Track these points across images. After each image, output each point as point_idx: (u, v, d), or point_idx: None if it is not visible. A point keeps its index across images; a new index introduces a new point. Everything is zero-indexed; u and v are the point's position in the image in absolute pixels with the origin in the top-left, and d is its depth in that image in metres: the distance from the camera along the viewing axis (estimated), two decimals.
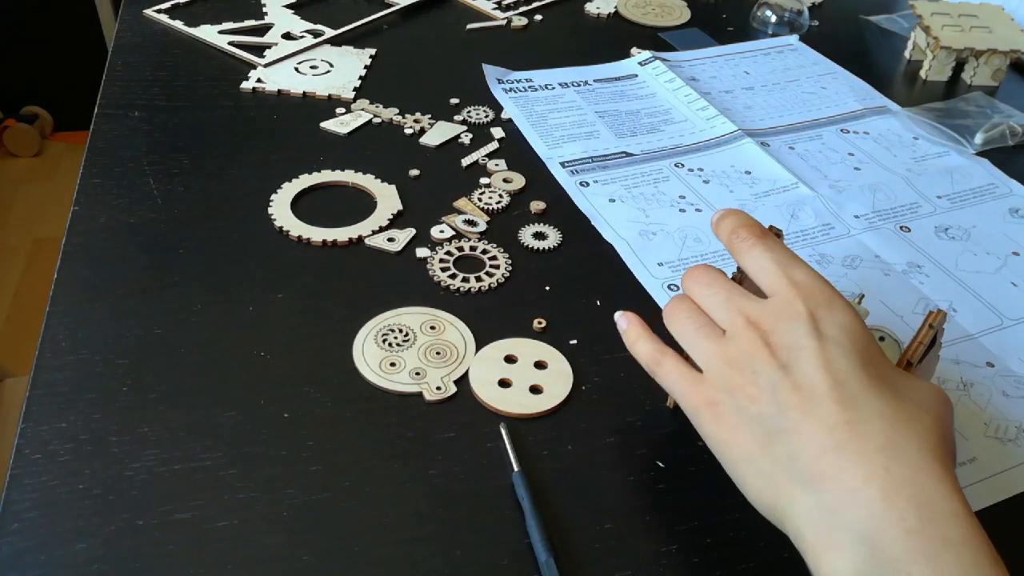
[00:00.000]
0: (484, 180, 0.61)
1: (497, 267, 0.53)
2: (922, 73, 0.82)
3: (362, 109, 0.68)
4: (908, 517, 0.30)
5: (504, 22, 0.84)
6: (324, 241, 0.54)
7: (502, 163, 0.63)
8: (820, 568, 0.32)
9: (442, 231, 0.56)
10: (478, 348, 0.48)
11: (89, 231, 0.53)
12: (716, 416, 0.36)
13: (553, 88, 0.74)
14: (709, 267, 0.40)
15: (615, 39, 0.83)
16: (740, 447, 0.35)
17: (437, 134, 0.66)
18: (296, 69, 0.72)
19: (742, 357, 0.35)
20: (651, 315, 0.51)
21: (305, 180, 0.59)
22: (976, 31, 0.80)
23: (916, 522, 0.30)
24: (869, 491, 0.31)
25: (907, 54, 0.85)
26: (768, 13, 0.87)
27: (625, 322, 0.42)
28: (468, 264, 0.54)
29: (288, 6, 0.82)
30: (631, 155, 0.66)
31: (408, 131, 0.66)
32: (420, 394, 0.45)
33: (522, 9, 0.87)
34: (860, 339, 0.35)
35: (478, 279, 0.52)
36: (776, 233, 0.44)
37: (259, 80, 0.70)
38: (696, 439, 0.44)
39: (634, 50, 0.81)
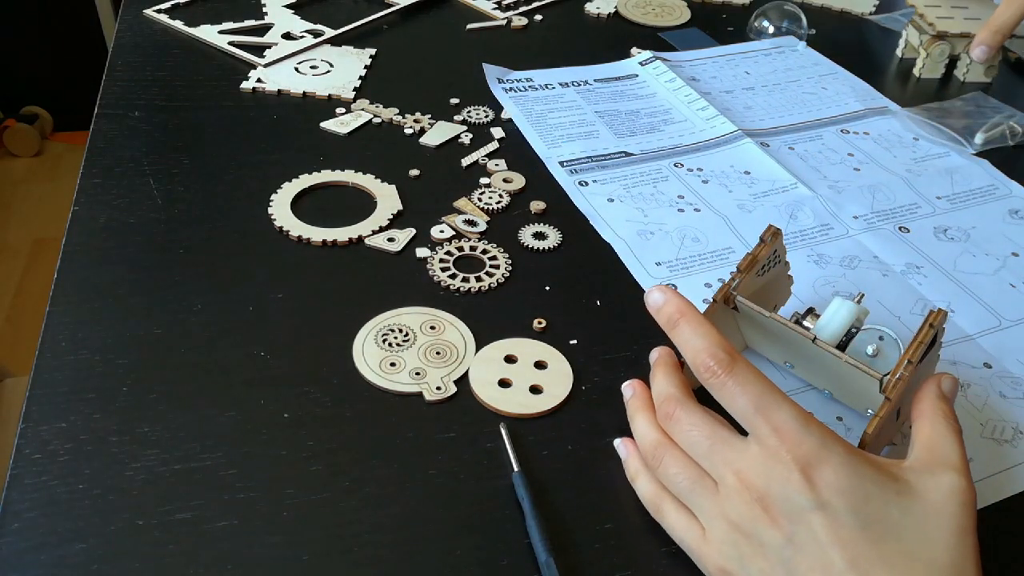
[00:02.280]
0: (484, 180, 0.61)
1: (497, 267, 0.54)
2: (915, 71, 0.82)
3: (362, 109, 0.68)
4: None
5: (504, 22, 0.84)
6: (324, 241, 0.54)
7: (502, 163, 0.63)
8: None
9: (442, 231, 0.56)
10: (478, 348, 0.48)
11: (89, 231, 0.53)
12: None
13: (553, 88, 0.74)
14: (680, 398, 0.39)
15: (615, 39, 0.83)
16: None
17: (437, 134, 0.66)
18: (296, 69, 0.72)
19: (743, 522, 0.35)
20: (649, 315, 0.52)
21: (305, 180, 0.59)
22: (968, 22, 0.81)
23: None
24: None
25: (899, 52, 0.85)
26: (765, 23, 0.87)
27: (625, 451, 0.42)
28: (468, 264, 0.54)
29: (288, 6, 0.82)
30: (630, 155, 0.66)
31: (408, 131, 0.66)
32: (420, 394, 0.45)
33: (522, 9, 0.87)
34: (858, 497, 0.34)
35: (478, 279, 0.52)
36: (774, 233, 0.44)
37: (259, 80, 0.70)
38: None
39: (634, 50, 0.81)
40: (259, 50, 0.74)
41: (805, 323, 0.43)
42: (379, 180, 0.60)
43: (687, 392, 0.40)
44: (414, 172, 0.61)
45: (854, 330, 0.42)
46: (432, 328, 0.49)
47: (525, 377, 0.46)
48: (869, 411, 0.38)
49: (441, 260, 0.53)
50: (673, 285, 0.53)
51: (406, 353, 0.47)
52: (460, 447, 0.43)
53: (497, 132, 0.67)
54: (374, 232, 0.55)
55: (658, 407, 0.40)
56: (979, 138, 0.71)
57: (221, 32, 0.76)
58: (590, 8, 0.88)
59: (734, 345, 0.39)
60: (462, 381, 0.46)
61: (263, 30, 0.77)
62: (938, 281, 0.56)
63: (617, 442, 0.43)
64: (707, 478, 0.37)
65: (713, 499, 0.37)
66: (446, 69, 0.75)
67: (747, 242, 0.58)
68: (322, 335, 0.48)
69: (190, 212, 0.56)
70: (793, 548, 0.34)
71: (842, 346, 0.42)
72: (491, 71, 0.74)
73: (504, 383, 0.46)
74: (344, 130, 0.65)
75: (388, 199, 0.58)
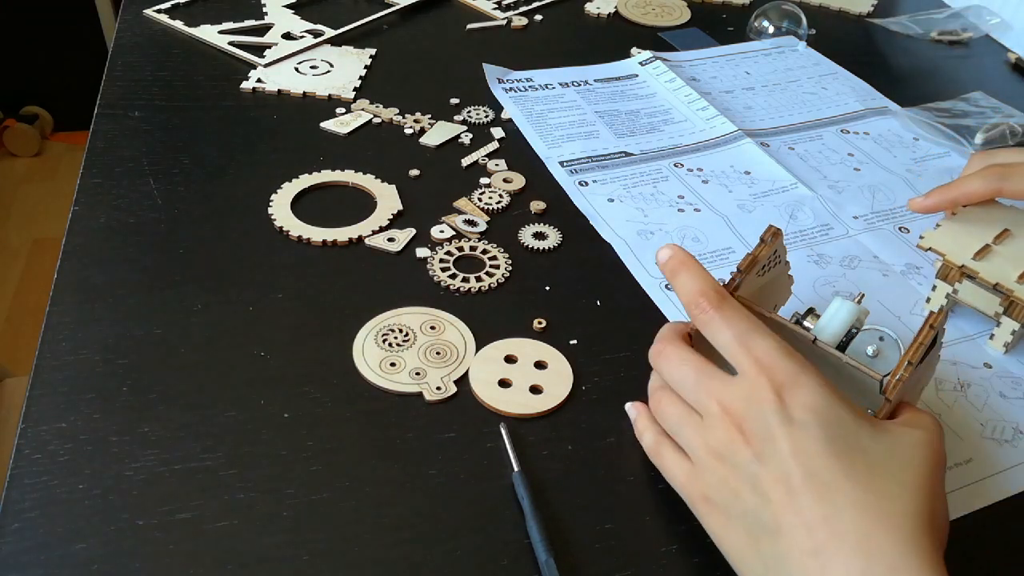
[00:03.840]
0: (484, 180, 0.61)
1: (497, 267, 0.54)
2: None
3: (362, 109, 0.68)
4: None
5: (504, 22, 0.84)
6: (324, 241, 0.54)
7: (502, 163, 0.63)
8: None
9: (442, 231, 0.56)
10: (478, 348, 0.48)
11: (89, 231, 0.53)
12: (710, 511, 0.37)
13: (553, 88, 0.74)
14: (674, 340, 0.41)
15: (615, 39, 0.83)
16: (733, 544, 0.36)
17: (437, 134, 0.66)
18: (296, 69, 0.72)
19: (721, 446, 0.36)
20: (649, 315, 0.52)
21: (305, 180, 0.59)
22: None
23: None
24: None
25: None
26: (765, 23, 0.87)
27: (635, 411, 0.44)
28: (468, 264, 0.54)
29: (288, 6, 0.82)
30: (630, 155, 0.66)
31: (408, 131, 0.66)
32: (420, 394, 0.45)
33: (522, 9, 0.87)
34: (828, 416, 0.35)
35: (478, 279, 0.52)
36: (774, 233, 0.44)
37: (259, 80, 0.70)
38: None
39: (634, 50, 0.81)
40: (259, 50, 0.74)
41: (805, 323, 0.43)
42: (379, 180, 0.60)
43: (682, 338, 0.41)
44: (414, 172, 0.61)
45: (854, 331, 0.42)
46: (432, 328, 0.49)
47: (525, 377, 0.46)
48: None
49: (441, 260, 0.53)
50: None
51: (406, 353, 0.47)
52: (460, 447, 0.43)
53: (497, 132, 0.67)
54: (374, 232, 0.55)
55: (653, 347, 0.42)
56: (979, 138, 0.71)
57: (221, 32, 0.76)
58: (590, 8, 0.88)
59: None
60: (462, 381, 0.46)
61: (263, 30, 0.77)
62: None
63: (628, 405, 0.45)
64: (694, 414, 0.39)
65: (697, 430, 0.38)
66: (446, 69, 0.75)
67: (747, 242, 0.58)
68: (322, 335, 0.48)
69: (190, 212, 0.56)
70: (759, 463, 0.35)
71: (842, 347, 0.42)
72: (491, 71, 0.74)
73: (504, 383, 0.46)
74: (344, 130, 0.65)
75: (388, 199, 0.58)
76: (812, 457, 0.34)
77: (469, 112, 0.69)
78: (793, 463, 0.34)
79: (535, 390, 0.46)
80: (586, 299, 0.52)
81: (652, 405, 0.42)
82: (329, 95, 0.69)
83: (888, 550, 0.32)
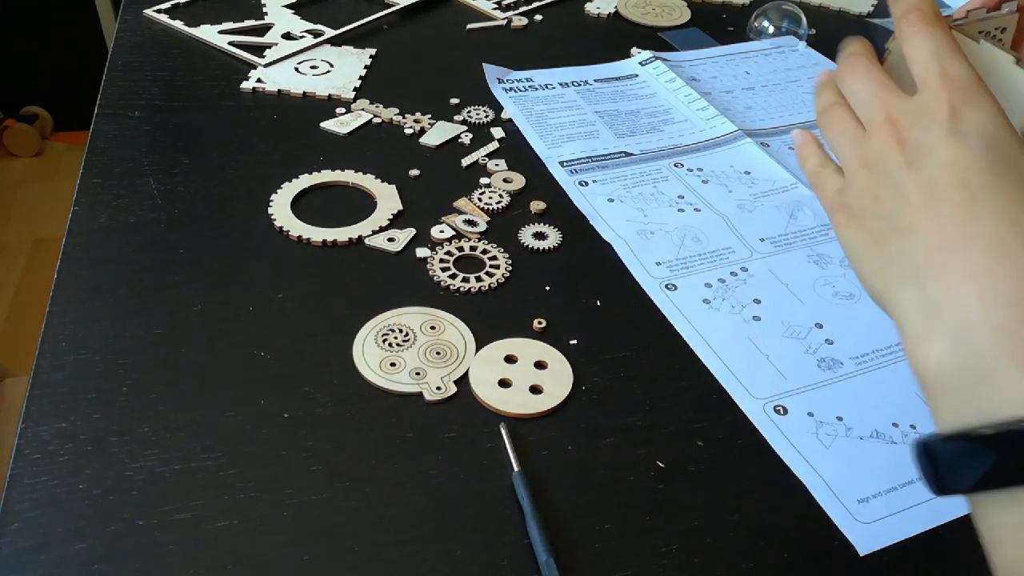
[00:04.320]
0: (484, 180, 0.61)
1: (497, 267, 0.54)
2: None
3: (362, 109, 0.68)
4: (1000, 315, 0.30)
5: (504, 22, 0.84)
6: (324, 241, 0.54)
7: (502, 163, 0.63)
8: (914, 359, 0.33)
9: (442, 231, 0.56)
10: (478, 348, 0.48)
11: (89, 231, 0.53)
12: (846, 221, 0.37)
13: (553, 88, 0.74)
14: (865, 52, 0.39)
15: (615, 39, 0.83)
16: (861, 247, 0.36)
17: (437, 134, 0.66)
18: (296, 69, 0.72)
19: (875, 156, 0.36)
20: (649, 315, 0.52)
21: (305, 180, 0.59)
22: None
23: (1007, 320, 0.30)
24: (966, 288, 0.31)
25: None
26: (765, 23, 0.87)
27: (800, 138, 0.43)
28: (468, 264, 0.54)
29: (288, 6, 0.82)
30: (630, 155, 0.66)
31: (408, 131, 0.66)
32: (420, 394, 0.45)
33: (522, 9, 0.87)
34: (999, 140, 0.33)
35: (478, 279, 0.52)
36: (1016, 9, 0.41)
37: (259, 80, 0.70)
38: (696, 439, 0.44)
39: (634, 50, 0.81)
40: (259, 50, 0.74)
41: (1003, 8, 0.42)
42: (379, 180, 0.60)
43: (874, 55, 0.40)
44: (414, 172, 0.61)
45: None
46: (432, 328, 0.49)
47: (525, 377, 0.46)
48: None
49: (441, 260, 0.53)
50: (673, 285, 0.53)
51: (406, 353, 0.47)
52: (460, 447, 0.43)
53: (497, 132, 0.67)
54: (374, 232, 0.55)
55: (841, 56, 0.40)
56: None
57: (221, 32, 0.76)
58: (590, 8, 0.88)
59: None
60: (462, 381, 0.46)
61: (263, 30, 0.77)
62: None
63: (794, 132, 0.44)
64: (859, 127, 0.37)
65: (856, 142, 0.37)
66: (446, 69, 0.75)
67: (747, 242, 0.58)
68: (322, 335, 0.48)
69: (190, 212, 0.56)
70: (908, 170, 0.34)
71: None
72: (491, 71, 0.74)
73: (504, 383, 0.46)
74: (344, 130, 0.65)
75: (388, 199, 0.58)
76: (966, 168, 0.33)
77: (469, 112, 0.69)
78: (944, 172, 0.33)
79: (535, 390, 0.46)
80: (586, 299, 0.52)
81: (820, 121, 0.40)
82: (329, 95, 0.69)
83: (1018, 253, 0.31)
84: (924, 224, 0.33)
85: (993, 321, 0.30)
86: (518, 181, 0.61)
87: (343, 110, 0.68)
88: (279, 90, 0.69)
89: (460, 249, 0.55)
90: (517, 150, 0.65)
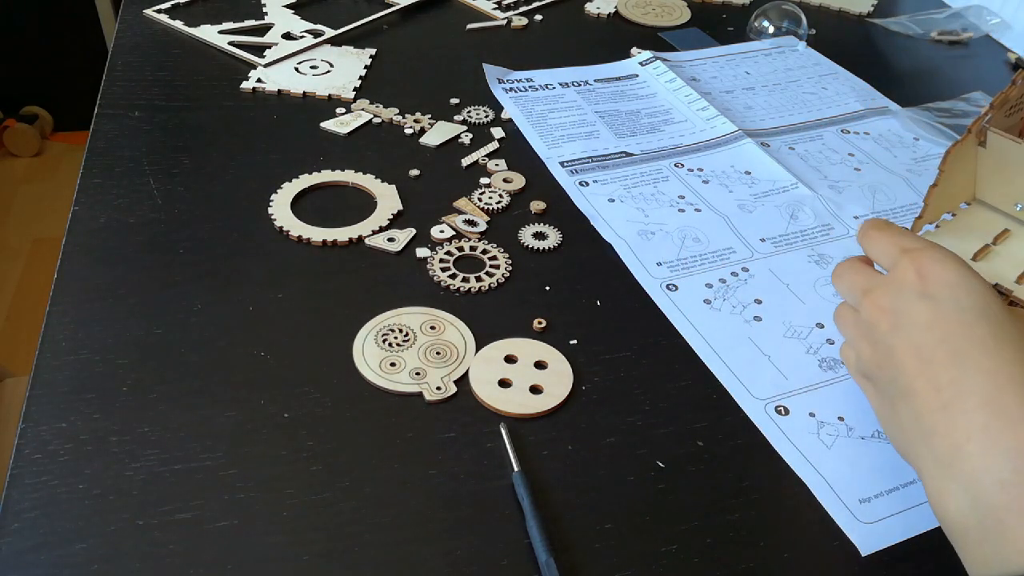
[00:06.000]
0: (484, 180, 0.61)
1: (497, 267, 0.53)
2: None
3: (362, 109, 0.68)
4: (1003, 470, 0.32)
5: (504, 22, 0.84)
6: (324, 241, 0.54)
7: (502, 163, 0.63)
8: (936, 512, 0.36)
9: (442, 231, 0.56)
10: (478, 348, 0.48)
11: (89, 231, 0.53)
12: (865, 386, 0.42)
13: (553, 88, 0.74)
14: (848, 260, 0.44)
15: (615, 39, 0.83)
16: (880, 410, 0.40)
17: (437, 134, 0.66)
18: (296, 69, 0.72)
19: (866, 326, 0.40)
20: (649, 315, 0.52)
21: (305, 180, 0.59)
22: None
23: (1010, 475, 0.32)
24: (969, 446, 0.34)
25: None
26: (765, 23, 0.87)
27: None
28: (468, 264, 0.54)
29: (288, 6, 0.82)
30: (631, 155, 0.66)
31: (408, 131, 0.66)
32: (420, 394, 0.45)
33: (522, 9, 0.87)
34: (966, 293, 0.36)
35: (478, 279, 0.52)
36: None
37: (259, 80, 0.70)
38: (696, 439, 0.44)
39: (634, 50, 0.81)
40: (259, 50, 0.74)
41: None
42: (379, 180, 0.60)
43: (863, 262, 0.44)
44: (414, 172, 0.61)
45: None
46: (432, 328, 0.49)
47: (525, 377, 0.46)
48: None
49: (441, 260, 0.53)
50: (674, 286, 0.53)
51: (406, 353, 0.47)
52: (460, 447, 0.43)
53: (497, 132, 0.67)
54: (374, 232, 0.55)
55: (834, 275, 0.45)
56: None
57: (221, 32, 0.76)
58: (590, 8, 0.88)
59: (963, 196, 0.47)
60: (462, 381, 0.46)
61: (263, 30, 0.77)
62: None
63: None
64: (855, 311, 0.42)
65: (855, 323, 0.42)
66: (446, 69, 0.75)
67: (747, 242, 0.58)
68: (322, 335, 0.48)
69: (190, 212, 0.56)
70: (896, 335, 0.38)
71: None
72: (491, 71, 0.74)
73: (504, 383, 0.46)
74: (344, 130, 0.65)
75: (388, 199, 0.58)
76: (945, 327, 0.36)
77: (469, 112, 0.69)
78: (926, 333, 0.36)
79: (535, 390, 0.46)
80: (586, 299, 0.52)
81: (835, 321, 0.45)
82: (329, 95, 0.69)
83: (1012, 408, 0.33)
84: (920, 387, 0.36)
85: (997, 476, 0.32)
86: (518, 181, 0.61)
87: (343, 110, 0.68)
88: (279, 90, 0.69)
89: (460, 249, 0.55)
90: (517, 150, 0.65)
